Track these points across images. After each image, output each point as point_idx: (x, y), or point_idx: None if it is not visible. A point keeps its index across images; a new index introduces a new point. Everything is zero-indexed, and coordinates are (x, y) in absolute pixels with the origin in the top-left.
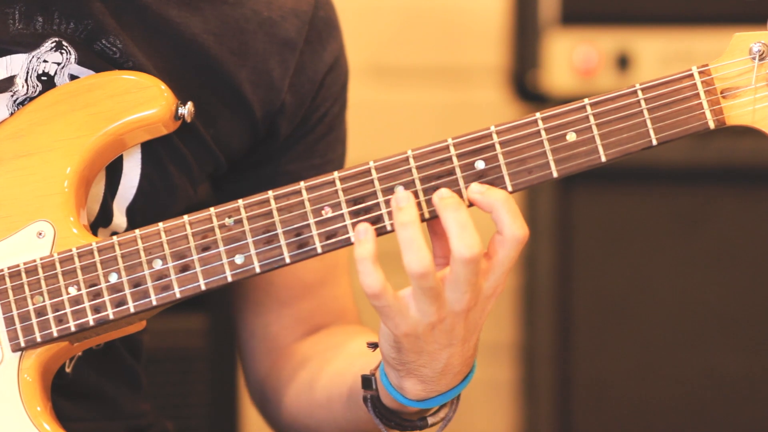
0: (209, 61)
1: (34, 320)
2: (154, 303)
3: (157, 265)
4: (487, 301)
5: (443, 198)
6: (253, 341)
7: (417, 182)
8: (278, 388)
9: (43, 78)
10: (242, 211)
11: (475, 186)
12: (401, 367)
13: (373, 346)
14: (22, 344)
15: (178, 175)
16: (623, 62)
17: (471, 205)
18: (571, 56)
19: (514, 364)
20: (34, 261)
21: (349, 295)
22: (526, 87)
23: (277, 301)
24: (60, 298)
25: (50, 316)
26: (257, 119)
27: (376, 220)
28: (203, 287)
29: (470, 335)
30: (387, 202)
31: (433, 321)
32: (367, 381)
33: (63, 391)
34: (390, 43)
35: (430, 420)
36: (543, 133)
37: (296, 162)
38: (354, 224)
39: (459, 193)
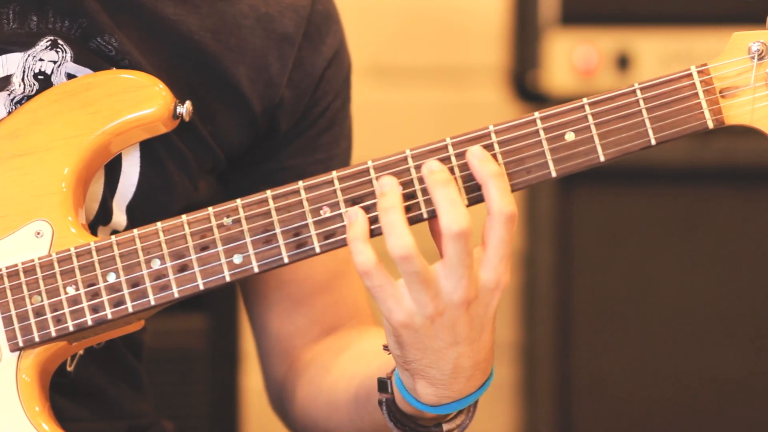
0: (206, 59)
1: (32, 320)
2: (153, 303)
3: (156, 264)
4: (490, 295)
5: (433, 172)
6: (269, 343)
7: (415, 182)
8: (294, 391)
9: (39, 77)
10: (240, 210)
11: (477, 149)
12: (407, 366)
13: (387, 348)
14: (21, 344)
15: (177, 173)
16: (623, 62)
17: (468, 204)
18: (571, 56)
19: (514, 364)
20: (32, 261)
21: (362, 295)
22: (526, 87)
23: (290, 299)
24: (58, 298)
25: (48, 315)
26: (256, 115)
27: (375, 221)
28: (201, 287)
29: (477, 334)
30: None
31: (430, 313)
32: (383, 384)
33: (64, 390)
34: (390, 43)
35: (446, 426)
36: (542, 132)
37: (298, 157)
38: None
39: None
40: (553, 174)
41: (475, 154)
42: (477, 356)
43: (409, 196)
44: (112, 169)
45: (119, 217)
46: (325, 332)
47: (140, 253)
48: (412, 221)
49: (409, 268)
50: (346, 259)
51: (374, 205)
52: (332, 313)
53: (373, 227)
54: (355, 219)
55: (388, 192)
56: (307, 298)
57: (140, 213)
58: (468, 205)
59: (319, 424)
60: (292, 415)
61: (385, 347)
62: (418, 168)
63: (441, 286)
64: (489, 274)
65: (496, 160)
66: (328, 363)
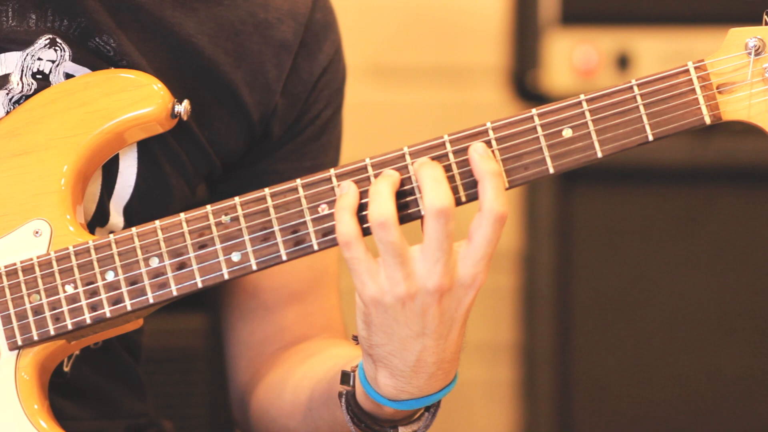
0: (204, 62)
1: (31, 319)
2: (151, 301)
3: (154, 263)
4: (464, 291)
5: (421, 163)
6: (238, 348)
7: (413, 178)
8: (257, 393)
9: (38, 76)
10: (239, 208)
11: (479, 145)
12: (372, 351)
13: (357, 339)
14: (20, 342)
15: (174, 176)
16: (623, 62)
17: (459, 204)
18: (571, 56)
19: (514, 364)
20: (31, 259)
21: (336, 309)
22: (526, 87)
23: (263, 306)
24: (57, 297)
25: (47, 314)
26: (254, 122)
27: None
28: (200, 285)
29: (446, 330)
30: None
31: (401, 293)
32: (345, 376)
33: (61, 389)
34: (390, 43)
35: (401, 429)
36: (539, 129)
37: (286, 162)
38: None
39: (455, 189)
40: (551, 170)
41: (477, 150)
42: (442, 354)
43: (406, 194)
44: (110, 171)
45: (116, 219)
46: (295, 341)
47: (139, 251)
48: (409, 218)
49: (385, 236)
50: (325, 270)
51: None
52: (304, 324)
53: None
54: (347, 191)
55: (387, 174)
56: (281, 306)
57: (137, 214)
58: (465, 202)
59: (279, 425)
60: (251, 418)
61: (354, 337)
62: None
63: (416, 267)
64: (467, 270)
65: (494, 156)
66: (294, 365)
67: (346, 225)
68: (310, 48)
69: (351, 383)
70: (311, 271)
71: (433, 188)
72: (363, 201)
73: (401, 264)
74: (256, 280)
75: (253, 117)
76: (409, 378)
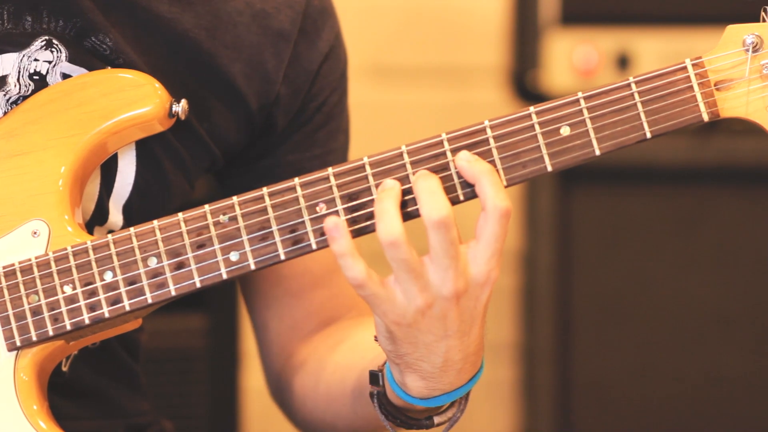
0: (202, 56)
1: (29, 319)
2: (150, 301)
3: (152, 263)
4: (480, 289)
5: (417, 176)
6: (268, 336)
7: (411, 177)
8: (292, 382)
9: (35, 77)
10: (237, 208)
11: (463, 153)
12: (399, 360)
13: (377, 339)
14: (18, 343)
15: (174, 171)
16: (623, 62)
17: (457, 202)
18: (571, 56)
19: (514, 364)
20: (29, 260)
21: None
22: (526, 87)
23: (289, 293)
24: (55, 297)
25: (46, 315)
26: (253, 112)
27: (370, 217)
28: (198, 284)
29: (468, 327)
30: None
31: (420, 305)
32: (374, 377)
33: (60, 389)
34: (390, 43)
35: (437, 419)
36: (537, 127)
37: (296, 153)
38: (348, 221)
39: (452, 188)
40: (549, 168)
41: (463, 158)
42: (467, 349)
43: (405, 193)
44: (108, 169)
45: (116, 217)
46: (323, 324)
47: (137, 251)
48: (409, 217)
49: (396, 254)
50: None
51: (369, 201)
52: (330, 306)
53: (367, 223)
54: (337, 233)
55: (389, 187)
56: (306, 292)
57: (137, 212)
58: (464, 200)
59: (318, 415)
60: (291, 406)
61: (377, 338)
62: (413, 164)
63: (429, 278)
64: (479, 269)
65: (492, 155)
66: (324, 355)
67: (353, 270)
68: (309, 36)
69: (380, 383)
70: (331, 255)
71: (429, 199)
72: (363, 200)
73: (416, 278)
74: (278, 268)
75: (252, 108)
76: (439, 377)
